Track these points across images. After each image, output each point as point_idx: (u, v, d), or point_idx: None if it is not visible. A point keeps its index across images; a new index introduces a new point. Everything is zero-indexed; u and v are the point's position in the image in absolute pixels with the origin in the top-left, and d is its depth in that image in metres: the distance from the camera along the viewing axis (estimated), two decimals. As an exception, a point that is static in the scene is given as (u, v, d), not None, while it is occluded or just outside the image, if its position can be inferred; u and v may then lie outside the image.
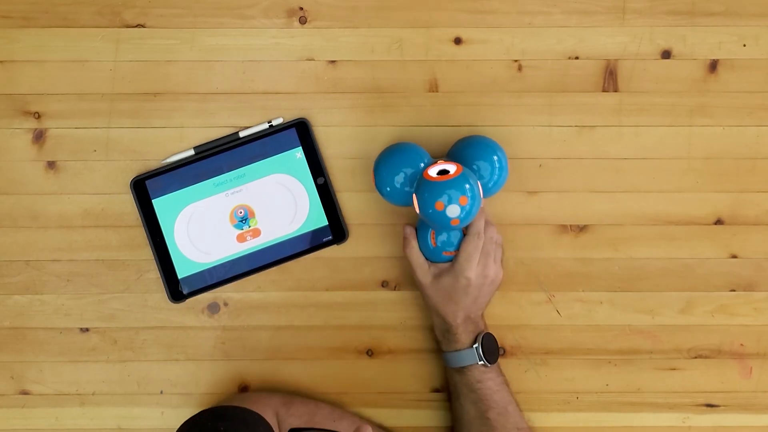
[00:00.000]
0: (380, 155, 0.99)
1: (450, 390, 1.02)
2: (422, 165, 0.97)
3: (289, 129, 1.04)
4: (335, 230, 1.04)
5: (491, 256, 0.98)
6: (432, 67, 1.03)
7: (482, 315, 1.01)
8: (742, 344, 1.05)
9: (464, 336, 0.98)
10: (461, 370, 0.98)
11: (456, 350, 0.98)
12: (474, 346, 0.98)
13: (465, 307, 0.98)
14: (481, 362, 0.98)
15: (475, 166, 0.97)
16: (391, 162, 0.98)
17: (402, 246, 1.00)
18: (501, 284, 1.01)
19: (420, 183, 0.96)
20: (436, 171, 0.95)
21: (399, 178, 0.97)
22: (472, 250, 0.97)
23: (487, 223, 0.99)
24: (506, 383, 1.00)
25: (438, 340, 1.01)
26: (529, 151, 1.03)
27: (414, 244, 0.99)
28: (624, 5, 1.03)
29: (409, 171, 0.97)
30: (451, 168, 0.95)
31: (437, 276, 0.98)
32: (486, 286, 0.98)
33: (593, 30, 1.03)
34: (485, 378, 0.98)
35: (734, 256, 1.04)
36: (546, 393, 1.05)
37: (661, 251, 1.04)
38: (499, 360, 1.00)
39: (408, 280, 1.04)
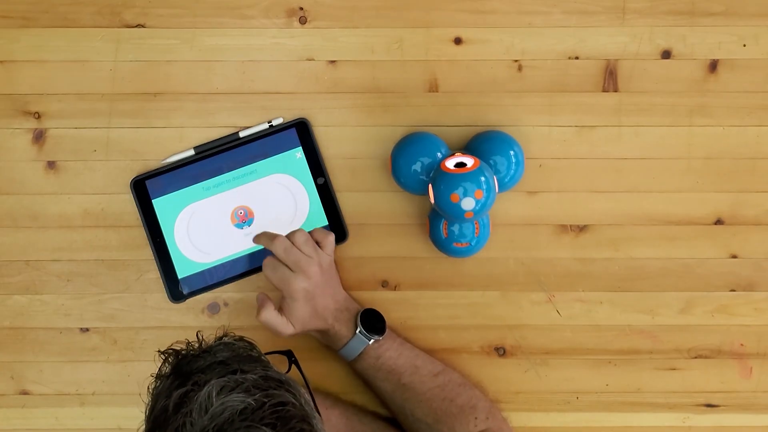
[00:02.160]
0: (398, 144, 1.00)
1: (363, 380, 1.02)
2: (439, 155, 0.98)
3: (289, 129, 1.04)
4: (335, 230, 1.04)
5: (296, 258, 0.96)
6: (432, 67, 1.03)
7: (345, 297, 1.01)
8: (742, 344, 1.05)
9: (344, 328, 0.99)
10: (359, 357, 0.99)
11: (344, 345, 0.99)
12: (357, 331, 0.98)
13: (322, 308, 0.98)
14: (371, 340, 0.98)
15: (491, 161, 0.98)
16: (408, 151, 0.99)
17: (257, 314, 0.97)
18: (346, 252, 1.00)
19: (437, 174, 0.97)
20: (454, 163, 0.96)
21: (416, 167, 0.98)
22: (273, 274, 0.97)
23: (267, 238, 0.98)
24: (403, 342, 1.01)
25: (327, 346, 1.02)
26: (529, 151, 1.03)
27: (269, 307, 0.97)
28: (624, 5, 1.03)
29: (426, 161, 0.98)
30: (469, 161, 0.96)
31: (290, 314, 0.97)
32: (317, 280, 0.97)
33: (593, 30, 1.03)
34: (383, 351, 0.99)
35: (734, 256, 1.04)
36: (546, 393, 1.05)
37: (661, 251, 1.04)
38: (498, 359, 1.00)
39: (408, 280, 1.04)
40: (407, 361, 0.99)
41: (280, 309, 0.97)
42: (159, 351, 0.78)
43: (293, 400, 0.72)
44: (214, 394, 0.70)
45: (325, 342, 1.02)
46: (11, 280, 1.05)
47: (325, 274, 0.98)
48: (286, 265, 0.97)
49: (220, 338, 0.78)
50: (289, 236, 0.98)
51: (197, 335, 0.79)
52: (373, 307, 1.00)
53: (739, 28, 1.03)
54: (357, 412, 1.02)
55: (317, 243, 0.99)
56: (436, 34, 1.03)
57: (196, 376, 0.73)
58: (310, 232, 0.99)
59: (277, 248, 0.97)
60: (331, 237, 1.00)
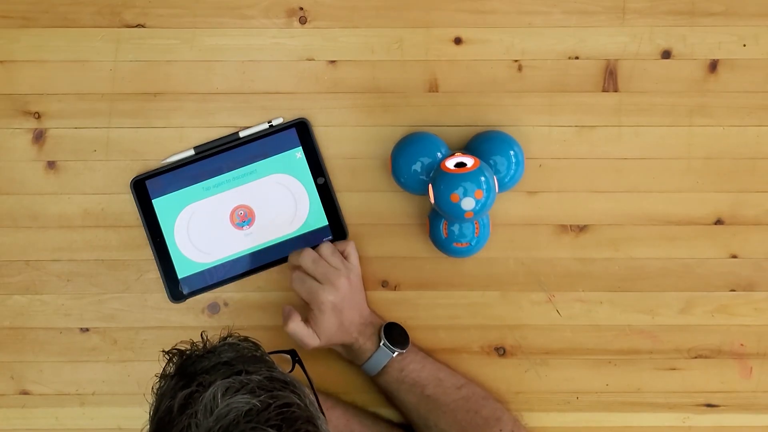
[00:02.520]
0: (398, 144, 1.00)
1: (385, 395, 1.02)
2: (439, 155, 0.98)
3: (289, 129, 1.04)
4: (335, 230, 1.04)
5: (324, 270, 0.97)
6: (432, 67, 1.03)
7: (370, 312, 1.01)
8: (742, 344, 1.05)
9: (368, 342, 0.99)
10: (383, 371, 0.99)
11: (369, 358, 0.99)
12: (381, 343, 0.98)
13: (349, 322, 0.98)
14: (395, 353, 0.98)
15: (491, 161, 0.98)
16: (408, 151, 0.99)
17: (283, 325, 0.97)
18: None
19: (437, 173, 0.97)
20: (454, 163, 0.96)
21: (416, 167, 0.98)
22: (301, 287, 0.97)
23: (296, 253, 0.99)
24: (426, 355, 1.01)
25: (350, 360, 1.02)
26: (529, 151, 1.03)
27: (296, 319, 0.97)
28: (624, 5, 1.03)
29: (426, 161, 0.98)
30: (469, 161, 0.96)
31: (316, 326, 0.97)
32: (345, 293, 0.97)
33: (593, 30, 1.03)
34: (406, 364, 0.99)
35: (734, 256, 1.04)
36: (546, 393, 1.05)
37: (661, 251, 1.04)
38: (498, 359, 1.00)
39: (408, 280, 1.04)
40: (430, 373, 0.99)
41: (307, 321, 0.97)
42: (163, 351, 0.78)
43: (298, 401, 0.72)
44: (219, 396, 0.70)
45: (348, 357, 1.02)
46: (11, 280, 1.05)
47: (353, 286, 0.99)
48: (314, 278, 0.97)
49: (225, 338, 0.78)
50: (316, 249, 0.98)
51: (201, 335, 0.79)
52: (394, 321, 1.01)
53: (739, 28, 1.03)
54: (358, 412, 1.02)
55: (341, 254, 0.99)
56: (436, 34, 1.03)
57: (200, 377, 0.72)
58: (333, 245, 1.00)
59: (305, 260, 0.97)
60: (353, 246, 1.00)
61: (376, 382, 1.01)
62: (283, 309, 0.99)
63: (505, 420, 0.99)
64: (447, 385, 0.99)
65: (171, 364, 0.77)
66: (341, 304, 0.97)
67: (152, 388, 0.76)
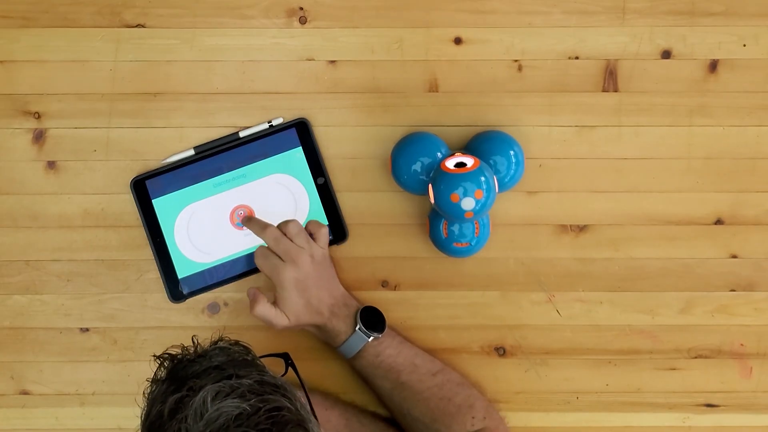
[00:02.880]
0: (398, 144, 1.00)
1: (362, 378, 1.02)
2: (439, 155, 0.99)
3: (289, 129, 1.04)
4: (335, 230, 1.04)
5: (286, 247, 0.97)
6: (432, 67, 1.03)
7: (343, 293, 1.00)
8: (742, 344, 1.05)
9: (342, 324, 0.98)
10: (359, 354, 0.98)
11: (344, 341, 0.98)
12: (356, 327, 0.98)
13: (317, 300, 0.97)
14: (371, 338, 0.98)
15: (491, 161, 0.98)
16: (408, 151, 0.99)
17: (250, 308, 0.97)
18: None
19: (437, 173, 0.97)
20: (454, 163, 0.96)
21: (416, 167, 0.98)
22: (264, 263, 0.97)
23: (259, 227, 0.99)
24: (403, 340, 1.01)
25: (326, 342, 1.01)
26: (529, 151, 1.03)
27: (261, 300, 0.97)
28: (624, 5, 1.03)
29: (426, 161, 0.98)
30: (469, 161, 0.96)
31: (283, 304, 0.97)
32: (308, 271, 0.97)
33: (593, 30, 1.03)
34: (382, 349, 0.99)
35: (734, 256, 1.05)
36: (546, 393, 1.05)
37: (661, 251, 1.04)
38: (498, 359, 1.00)
39: (408, 280, 1.04)
40: (406, 359, 0.99)
41: (275, 302, 0.98)
42: (154, 355, 0.78)
43: (289, 405, 0.72)
44: (209, 400, 0.70)
45: (323, 338, 1.01)
46: (11, 280, 1.05)
47: (318, 266, 0.98)
48: (277, 255, 0.97)
49: (216, 342, 0.78)
50: (281, 226, 0.98)
51: (192, 339, 0.79)
52: (372, 305, 1.00)
53: (739, 28, 1.03)
54: (357, 412, 1.02)
55: (311, 235, 0.99)
56: (436, 34, 1.03)
57: (191, 382, 0.72)
58: (305, 225, 0.99)
59: (268, 237, 0.98)
60: (325, 229, 1.00)
61: (351, 364, 1.01)
62: (248, 292, 0.99)
63: (477, 407, 0.99)
64: (422, 372, 0.99)
65: (162, 369, 0.77)
66: (305, 282, 0.97)
67: (144, 393, 0.77)
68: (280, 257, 0.97)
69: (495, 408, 1.02)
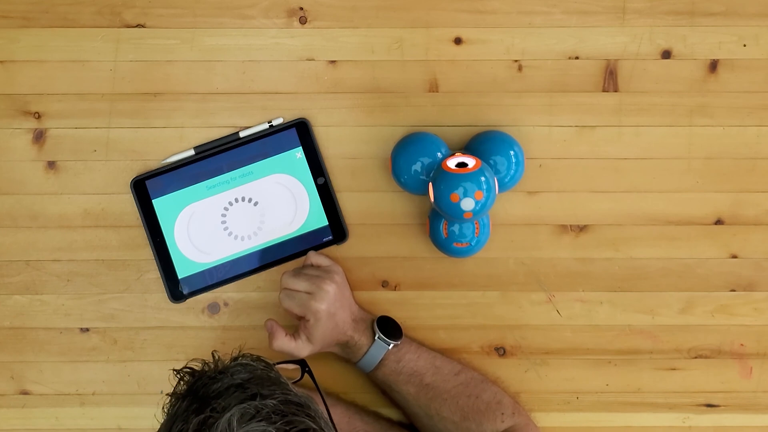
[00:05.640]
0: (398, 144, 1.00)
1: (383, 390, 1.02)
2: (439, 155, 0.99)
3: (289, 129, 1.04)
4: (335, 230, 1.04)
5: (308, 280, 0.96)
6: (432, 67, 1.03)
7: (359, 308, 1.01)
8: (742, 344, 1.05)
9: (363, 338, 0.99)
10: (380, 364, 0.99)
11: (365, 354, 0.98)
12: (376, 337, 0.98)
13: (342, 322, 0.97)
14: (391, 345, 0.98)
15: (491, 161, 0.98)
16: (408, 151, 0.99)
17: (269, 343, 0.97)
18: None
19: (438, 173, 0.97)
20: (455, 163, 0.96)
21: (416, 167, 0.98)
22: (291, 302, 0.96)
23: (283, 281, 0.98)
24: (420, 345, 1.01)
25: (347, 359, 1.01)
26: (529, 151, 1.03)
27: (279, 335, 0.96)
28: (624, 5, 1.03)
29: (426, 161, 0.99)
30: (470, 161, 0.96)
31: (311, 334, 0.96)
32: (336, 295, 0.97)
33: (593, 30, 1.03)
34: (402, 355, 0.99)
35: (734, 256, 1.05)
36: (546, 393, 1.05)
37: (661, 251, 1.04)
38: (498, 359, 1.00)
39: (408, 280, 1.04)
40: (427, 362, 1.00)
41: (294, 333, 0.97)
42: (174, 370, 0.77)
43: (314, 426, 0.71)
44: (234, 423, 0.69)
45: (344, 355, 1.01)
46: (11, 280, 1.05)
47: (340, 286, 0.98)
48: (302, 291, 0.96)
49: (236, 358, 0.77)
50: (292, 270, 0.98)
51: (213, 354, 0.78)
52: (385, 315, 1.01)
53: (739, 28, 1.03)
54: (358, 411, 1.02)
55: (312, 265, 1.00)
56: (436, 34, 1.03)
57: (214, 402, 0.72)
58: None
59: (287, 280, 0.97)
60: (314, 254, 1.00)
61: (373, 377, 1.01)
62: (265, 325, 0.98)
63: (505, 403, 1.00)
64: (445, 372, 1.00)
65: (182, 384, 0.76)
66: (333, 307, 0.97)
67: (162, 407, 0.76)
68: (305, 291, 0.96)
69: (521, 404, 1.02)
